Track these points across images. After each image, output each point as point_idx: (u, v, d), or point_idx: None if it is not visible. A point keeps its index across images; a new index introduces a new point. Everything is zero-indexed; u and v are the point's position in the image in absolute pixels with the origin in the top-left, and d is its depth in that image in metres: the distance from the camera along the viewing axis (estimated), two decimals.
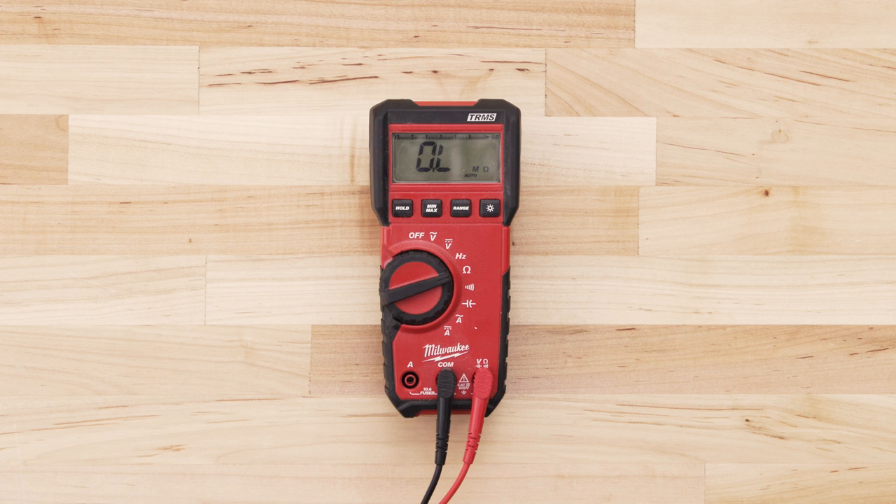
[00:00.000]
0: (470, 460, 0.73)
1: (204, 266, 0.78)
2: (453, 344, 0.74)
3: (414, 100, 0.76)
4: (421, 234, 0.73)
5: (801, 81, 0.79)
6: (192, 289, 0.78)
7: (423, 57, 0.78)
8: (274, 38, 0.78)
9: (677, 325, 0.79)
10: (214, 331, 0.78)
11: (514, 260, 0.78)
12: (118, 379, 0.78)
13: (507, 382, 0.78)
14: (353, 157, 0.78)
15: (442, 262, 0.73)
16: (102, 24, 0.78)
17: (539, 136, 0.78)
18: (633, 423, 0.79)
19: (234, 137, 0.78)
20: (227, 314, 0.78)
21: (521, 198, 0.78)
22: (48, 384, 0.78)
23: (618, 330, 0.79)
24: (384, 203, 0.73)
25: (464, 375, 0.74)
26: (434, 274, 0.73)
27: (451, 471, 0.77)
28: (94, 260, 0.78)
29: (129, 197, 0.78)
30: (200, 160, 0.78)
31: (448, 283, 0.73)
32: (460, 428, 0.77)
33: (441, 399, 0.73)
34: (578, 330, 0.79)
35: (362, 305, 0.78)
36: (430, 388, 0.74)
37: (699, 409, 0.79)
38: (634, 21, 0.78)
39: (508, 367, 0.78)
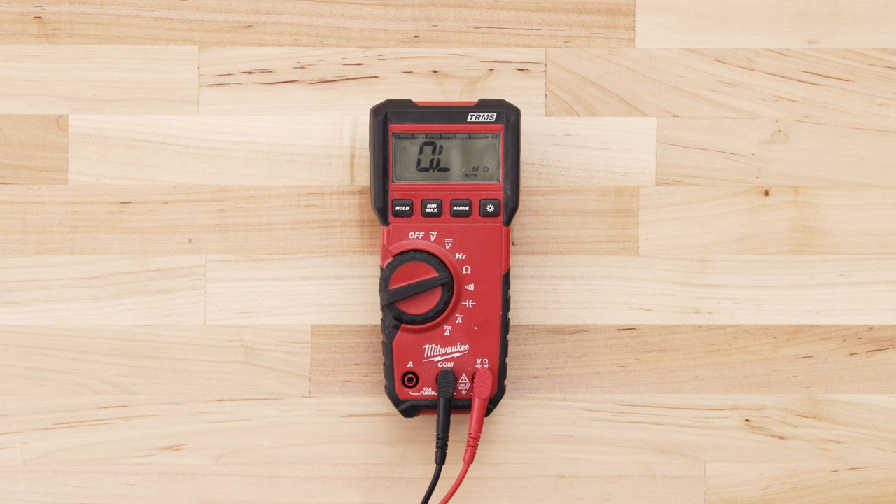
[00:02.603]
0: (470, 460, 0.73)
1: (204, 266, 0.77)
2: (453, 344, 0.74)
3: (414, 100, 0.75)
4: (421, 234, 0.73)
5: (801, 81, 0.79)
6: (192, 289, 0.77)
7: (423, 57, 0.78)
8: (274, 38, 0.78)
9: (677, 325, 0.79)
10: (214, 331, 0.77)
11: (514, 260, 0.78)
12: (118, 379, 0.78)
13: (507, 382, 0.78)
14: (353, 157, 0.78)
15: (442, 262, 0.73)
16: (102, 24, 0.77)
17: (539, 136, 0.78)
18: (633, 423, 0.79)
19: (234, 137, 0.78)
20: (227, 314, 0.78)
21: (521, 198, 0.78)
22: (48, 384, 0.77)
23: (618, 330, 0.79)
24: (384, 203, 0.73)
25: (464, 375, 0.74)
26: (434, 274, 0.72)
27: (451, 471, 0.77)
28: (94, 260, 0.77)
29: (129, 197, 0.77)
30: (200, 160, 0.78)
31: (448, 283, 0.73)
32: (460, 428, 0.77)
33: (441, 399, 0.73)
34: (578, 330, 0.79)
35: (362, 305, 0.78)
36: (430, 388, 0.74)
37: (699, 409, 0.79)
38: (634, 21, 0.78)
39: (508, 367, 0.78)
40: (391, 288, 0.72)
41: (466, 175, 0.73)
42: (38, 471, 0.77)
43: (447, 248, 0.73)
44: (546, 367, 0.78)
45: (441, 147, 0.73)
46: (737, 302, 0.79)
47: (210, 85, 0.78)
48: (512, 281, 0.78)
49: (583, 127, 0.78)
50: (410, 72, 0.78)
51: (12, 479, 0.77)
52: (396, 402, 0.74)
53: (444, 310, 0.73)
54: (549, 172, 0.78)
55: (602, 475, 0.79)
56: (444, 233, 0.73)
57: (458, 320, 0.74)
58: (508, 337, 0.77)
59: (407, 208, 0.73)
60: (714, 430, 0.79)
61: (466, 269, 0.74)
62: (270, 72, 0.77)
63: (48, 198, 0.77)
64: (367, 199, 0.78)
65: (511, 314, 0.78)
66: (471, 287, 0.73)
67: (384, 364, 0.75)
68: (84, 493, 0.77)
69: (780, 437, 0.79)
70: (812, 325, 0.79)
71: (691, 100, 0.78)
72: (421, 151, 0.73)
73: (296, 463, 0.78)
